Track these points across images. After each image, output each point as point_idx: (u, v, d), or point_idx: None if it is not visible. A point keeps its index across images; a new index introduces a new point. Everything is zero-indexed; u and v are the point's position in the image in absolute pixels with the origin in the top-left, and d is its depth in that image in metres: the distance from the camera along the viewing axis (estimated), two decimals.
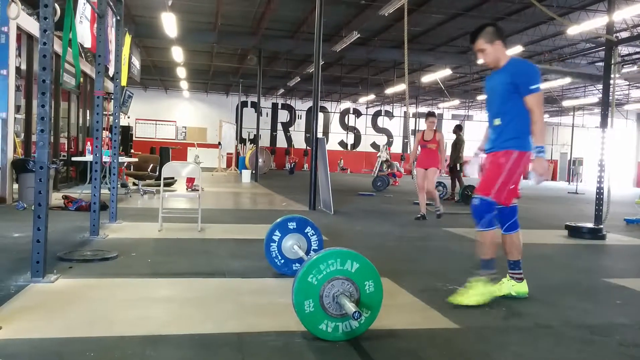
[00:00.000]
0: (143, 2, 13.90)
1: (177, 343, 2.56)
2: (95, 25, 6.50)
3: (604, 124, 7.23)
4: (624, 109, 27.27)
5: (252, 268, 4.23)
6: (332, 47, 15.63)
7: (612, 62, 7.26)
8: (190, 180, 11.95)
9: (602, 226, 7.01)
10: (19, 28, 8.20)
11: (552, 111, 31.05)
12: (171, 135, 29.05)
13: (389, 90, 23.42)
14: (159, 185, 6.51)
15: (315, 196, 9.09)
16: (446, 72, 18.99)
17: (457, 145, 12.23)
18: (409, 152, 8.86)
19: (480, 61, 3.65)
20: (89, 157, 8.91)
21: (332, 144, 30.98)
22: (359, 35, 13.88)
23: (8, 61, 7.74)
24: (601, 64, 13.29)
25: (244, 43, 17.52)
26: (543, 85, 21.45)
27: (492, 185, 3.45)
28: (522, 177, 3.52)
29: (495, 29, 3.56)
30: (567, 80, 19.09)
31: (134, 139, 17.91)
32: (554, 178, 33.35)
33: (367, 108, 32.13)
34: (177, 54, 17.52)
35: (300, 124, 31.65)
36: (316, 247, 4.02)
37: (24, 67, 8.88)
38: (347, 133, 32.23)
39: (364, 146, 32.29)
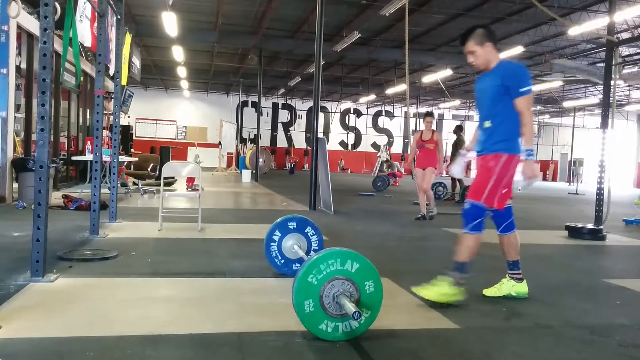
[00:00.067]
0: (144, 1, 13.90)
1: (177, 343, 2.55)
2: (96, 24, 6.50)
3: (604, 124, 7.22)
4: (625, 109, 27.25)
5: (252, 268, 4.23)
6: (333, 47, 15.63)
7: (613, 62, 7.26)
8: (190, 180, 11.95)
9: (602, 227, 7.01)
10: (19, 27, 8.19)
11: (552, 112, 31.07)
12: (171, 134, 29.05)
13: (390, 91, 23.41)
14: (159, 185, 6.51)
15: (315, 196, 9.09)
16: (447, 72, 18.99)
17: (458, 145, 12.23)
18: (409, 152, 8.89)
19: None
20: (89, 157, 8.90)
21: (333, 144, 30.98)
22: (359, 35, 13.87)
23: (8, 60, 7.73)
24: (602, 64, 13.29)
25: (244, 42, 17.52)
26: (543, 86, 21.58)
27: (482, 190, 3.43)
28: (513, 179, 3.50)
29: (485, 30, 3.53)
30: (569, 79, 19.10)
31: (134, 138, 17.91)
32: (554, 179, 33.36)
33: (367, 108, 32.13)
34: (178, 53, 17.53)
35: (301, 123, 31.65)
36: (316, 247, 4.02)
37: (24, 65, 8.88)
38: (348, 133, 32.23)
39: (365, 146, 32.29)
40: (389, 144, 31.69)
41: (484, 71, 3.60)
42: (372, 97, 26.99)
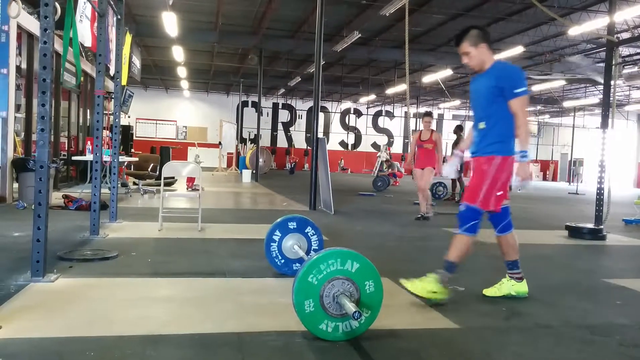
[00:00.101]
0: (144, 1, 13.90)
1: (177, 343, 2.56)
2: (96, 24, 6.50)
3: (604, 124, 7.22)
4: (625, 109, 27.25)
5: (252, 268, 4.23)
6: (333, 47, 15.63)
7: (613, 62, 7.26)
8: (190, 180, 11.95)
9: (602, 227, 7.01)
10: (19, 27, 8.20)
11: (552, 112, 31.07)
12: (172, 134, 29.05)
13: (390, 91, 23.41)
14: (159, 185, 6.51)
15: (315, 196, 9.09)
16: (447, 72, 18.99)
17: (458, 145, 12.23)
18: (409, 152, 8.92)
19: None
20: (89, 157, 8.91)
21: (333, 144, 30.97)
22: (359, 35, 13.87)
23: (8, 60, 7.74)
24: (602, 64, 13.28)
25: (244, 43, 17.52)
26: (544, 86, 21.55)
27: (477, 193, 3.43)
28: (509, 180, 3.48)
29: (480, 31, 3.51)
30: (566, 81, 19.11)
31: (134, 138, 17.90)
32: (554, 178, 33.36)
33: (367, 108, 32.12)
34: (178, 53, 17.53)
35: (301, 123, 31.64)
36: (316, 247, 4.02)
37: (24, 66, 8.88)
38: (348, 133, 32.22)
39: (365, 146, 32.29)
40: (389, 143, 31.69)
41: (479, 72, 3.58)
42: (372, 97, 26.98)
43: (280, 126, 31.44)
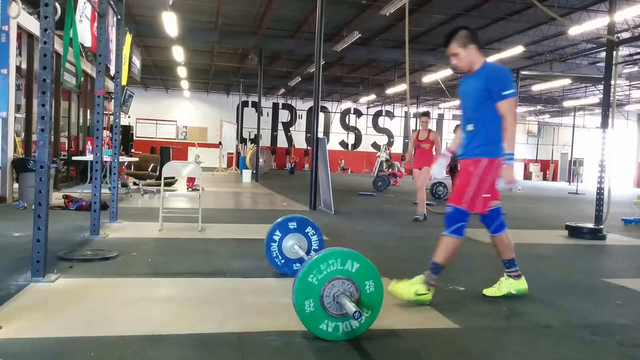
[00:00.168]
0: (144, 1, 13.90)
1: (177, 343, 2.56)
2: (96, 24, 6.50)
3: (604, 124, 7.22)
4: (625, 109, 27.25)
5: (252, 268, 4.23)
6: (333, 47, 15.63)
7: (613, 62, 7.26)
8: (190, 180, 11.95)
9: (602, 226, 7.01)
10: (19, 27, 8.20)
11: (553, 111, 31.07)
12: (172, 134, 29.06)
13: (390, 90, 23.41)
14: (160, 185, 6.52)
15: (315, 196, 9.09)
16: (447, 72, 18.97)
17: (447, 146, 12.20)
18: (407, 152, 8.89)
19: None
20: (89, 157, 8.91)
21: (333, 144, 30.98)
22: (360, 35, 13.87)
23: (8, 60, 7.74)
24: (602, 64, 13.28)
25: (244, 43, 17.52)
26: (544, 86, 21.53)
27: (463, 195, 3.42)
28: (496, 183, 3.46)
29: (469, 32, 3.48)
30: (569, 80, 19.11)
31: (134, 138, 17.90)
32: (554, 178, 33.36)
33: (367, 108, 32.12)
34: (178, 53, 17.53)
35: (301, 123, 31.65)
36: (317, 247, 4.02)
37: (24, 66, 8.88)
38: (348, 133, 32.22)
39: (365, 146, 32.29)
40: (389, 143, 31.70)
41: (468, 73, 3.55)
42: (373, 97, 26.98)
43: (280, 126, 31.44)
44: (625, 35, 12.84)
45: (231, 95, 29.83)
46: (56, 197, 8.07)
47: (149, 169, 11.14)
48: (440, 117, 32.47)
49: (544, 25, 14.52)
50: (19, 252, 4.32)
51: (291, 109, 31.47)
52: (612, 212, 7.57)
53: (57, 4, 3.78)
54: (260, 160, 19.65)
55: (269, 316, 3.02)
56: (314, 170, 9.08)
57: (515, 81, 19.27)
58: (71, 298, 3.20)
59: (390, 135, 32.55)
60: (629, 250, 6.44)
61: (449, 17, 14.22)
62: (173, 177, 11.92)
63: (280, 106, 31.36)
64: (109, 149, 8.75)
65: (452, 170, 12.36)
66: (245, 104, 28.96)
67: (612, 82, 7.34)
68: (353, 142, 32.38)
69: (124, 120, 15.92)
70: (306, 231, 4.06)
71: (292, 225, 4.05)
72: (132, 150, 15.43)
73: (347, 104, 31.21)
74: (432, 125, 8.18)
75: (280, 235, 4.03)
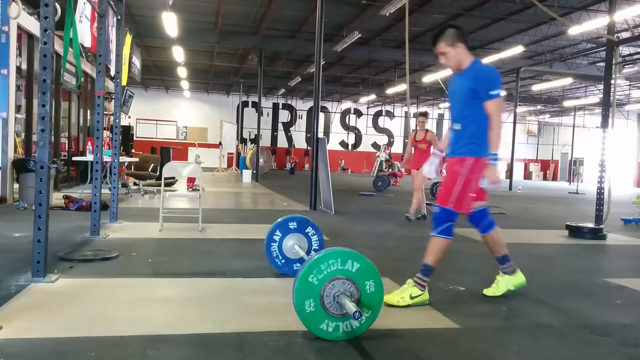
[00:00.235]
0: (144, 1, 13.91)
1: (178, 343, 2.56)
2: (95, 24, 6.51)
3: (604, 124, 7.22)
4: (625, 109, 27.25)
5: (252, 268, 4.23)
6: (333, 47, 15.63)
7: (613, 62, 7.26)
8: (191, 180, 11.96)
9: (602, 226, 7.01)
10: (19, 27, 8.20)
11: (553, 111, 31.07)
12: (172, 135, 29.07)
13: (390, 90, 23.41)
14: (160, 185, 6.52)
15: (316, 196, 9.09)
16: (447, 72, 18.94)
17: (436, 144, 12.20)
18: (405, 152, 8.83)
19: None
20: (89, 157, 8.91)
21: (333, 144, 30.99)
22: (360, 35, 13.87)
23: (8, 60, 7.74)
24: (602, 64, 13.29)
25: (244, 43, 17.53)
26: (544, 85, 21.48)
27: (449, 195, 3.39)
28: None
29: (457, 31, 3.45)
30: (569, 80, 19.11)
31: (134, 138, 17.92)
32: (554, 178, 33.36)
33: (368, 108, 32.13)
34: (178, 53, 17.53)
35: (301, 123, 31.66)
36: (317, 247, 4.02)
37: (24, 66, 8.88)
38: (348, 133, 32.23)
39: (365, 146, 32.30)
40: (389, 143, 31.71)
41: (457, 72, 3.53)
42: (373, 97, 26.98)
43: (280, 126, 31.45)
44: (625, 35, 12.83)
45: (231, 95, 29.84)
46: (56, 198, 8.08)
47: (149, 169, 11.14)
48: (440, 117, 32.48)
49: (544, 25, 14.52)
50: (19, 253, 4.32)
51: (291, 109, 31.48)
52: (613, 212, 7.57)
53: (57, 4, 3.78)
54: (261, 160, 19.66)
55: (270, 316, 3.02)
56: (314, 170, 9.08)
57: (516, 81, 19.30)
58: (71, 298, 3.20)
59: (390, 135, 32.56)
60: (629, 250, 6.44)
61: (449, 17, 14.22)
62: (173, 178, 11.92)
63: (280, 106, 31.37)
64: (109, 149, 8.76)
65: None
66: (245, 104, 28.97)
67: (612, 82, 7.34)
68: (353, 142, 32.39)
69: (124, 121, 15.91)
70: (306, 231, 4.06)
71: (293, 225, 4.05)
72: (133, 150, 15.44)
73: (347, 104, 31.22)
74: (432, 126, 8.14)
75: (280, 235, 4.03)
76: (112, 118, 8.72)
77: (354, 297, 2.66)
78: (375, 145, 31.70)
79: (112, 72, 7.34)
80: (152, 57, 21.71)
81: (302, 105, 31.45)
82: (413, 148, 8.25)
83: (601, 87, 8.58)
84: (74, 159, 11.32)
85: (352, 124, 32.38)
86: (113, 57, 7.45)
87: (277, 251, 4.04)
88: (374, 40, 16.91)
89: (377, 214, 9.07)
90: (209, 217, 6.95)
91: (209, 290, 3.56)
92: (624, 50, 16.19)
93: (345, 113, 32.11)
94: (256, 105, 22.70)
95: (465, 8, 13.32)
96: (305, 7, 13.86)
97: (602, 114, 7.31)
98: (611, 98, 7.28)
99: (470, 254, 5.28)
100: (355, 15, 14.56)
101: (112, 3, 6.09)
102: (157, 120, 28.82)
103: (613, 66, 7.29)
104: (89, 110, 13.42)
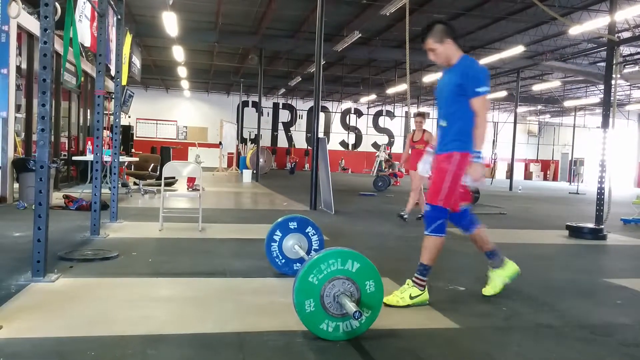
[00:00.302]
0: (144, 1, 13.90)
1: (178, 342, 2.56)
2: (95, 24, 6.51)
3: (605, 124, 7.22)
4: (625, 109, 27.25)
5: (252, 268, 4.23)
6: (334, 47, 15.63)
7: (614, 62, 7.25)
8: (191, 180, 11.96)
9: (602, 226, 7.01)
10: (19, 27, 8.20)
11: (553, 111, 31.06)
12: (172, 134, 29.07)
13: (390, 90, 23.41)
14: (160, 185, 6.52)
15: (316, 196, 9.09)
16: None
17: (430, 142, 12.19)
18: (403, 152, 8.77)
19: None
20: (89, 157, 8.91)
21: (333, 144, 30.99)
22: (360, 35, 13.87)
23: (8, 60, 7.74)
24: (603, 64, 13.29)
25: (245, 42, 17.53)
26: (545, 85, 21.44)
27: (438, 192, 3.37)
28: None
29: (445, 27, 3.41)
30: (571, 77, 19.09)
31: (134, 138, 17.90)
32: (554, 178, 33.36)
33: (368, 108, 32.13)
34: (178, 53, 17.53)
35: (302, 123, 31.66)
36: (317, 247, 4.01)
37: (24, 66, 8.88)
38: (348, 133, 32.23)
39: (365, 146, 32.30)
40: (389, 143, 31.71)
41: (446, 68, 3.50)
42: (373, 97, 26.98)
43: (280, 126, 31.45)
44: (626, 34, 12.83)
45: (231, 95, 29.84)
46: (56, 197, 8.07)
47: (149, 169, 11.13)
48: None
49: (544, 25, 14.52)
50: (19, 252, 4.32)
51: (291, 108, 31.48)
52: (613, 212, 7.57)
53: (57, 3, 3.78)
54: (261, 160, 19.66)
55: (270, 316, 3.02)
56: (315, 170, 9.08)
57: (516, 81, 19.29)
58: (71, 298, 3.20)
59: (390, 135, 32.56)
60: (629, 250, 6.44)
61: (449, 17, 14.20)
62: (173, 177, 11.92)
63: (280, 106, 31.37)
64: (109, 149, 8.75)
65: None
66: (245, 103, 28.97)
67: (613, 82, 7.33)
68: (353, 142, 32.39)
69: (124, 120, 15.91)
70: (306, 231, 4.06)
71: (293, 225, 4.05)
72: (133, 150, 15.43)
73: (347, 104, 31.22)
74: (431, 126, 8.09)
75: (280, 235, 4.03)
76: (112, 118, 8.72)
77: (354, 297, 2.66)
78: (375, 145, 31.70)
79: (112, 72, 7.34)
80: (152, 56, 21.71)
81: (303, 105, 31.45)
82: (410, 148, 8.25)
83: (602, 87, 8.58)
84: (74, 158, 11.32)
85: (352, 123, 32.38)
86: (113, 56, 7.45)
87: (277, 251, 4.03)
88: (374, 40, 16.91)
89: (377, 214, 9.07)
90: (209, 216, 6.95)
91: (209, 290, 3.55)
92: (625, 50, 16.18)
93: (345, 113, 32.11)
94: (256, 105, 22.70)
95: (466, 8, 13.32)
96: (305, 6, 13.86)
97: (602, 114, 7.31)
98: (612, 98, 7.28)
99: (470, 253, 5.27)
100: (356, 15, 14.55)
101: (112, 2, 6.09)
102: (157, 120, 28.82)
103: (614, 66, 7.28)
104: (89, 110, 13.43)
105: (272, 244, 4.03)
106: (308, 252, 3.96)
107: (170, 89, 28.94)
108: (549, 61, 16.92)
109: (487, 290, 3.66)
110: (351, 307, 2.51)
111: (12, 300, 3.07)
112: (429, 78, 20.99)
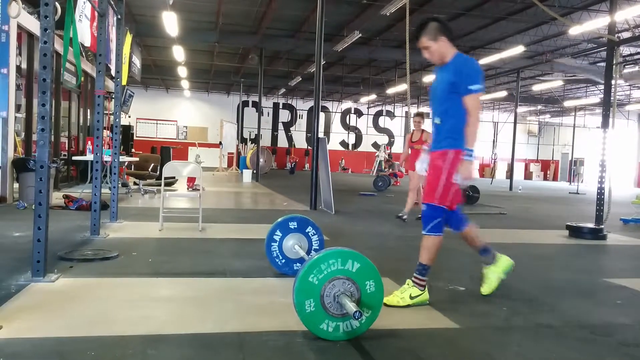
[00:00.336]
0: (144, 0, 13.90)
1: (178, 342, 2.56)
2: (95, 24, 6.51)
3: (605, 124, 7.22)
4: (625, 109, 27.24)
5: (253, 268, 4.23)
6: (334, 47, 15.63)
7: (614, 62, 7.25)
8: (191, 180, 11.95)
9: (602, 226, 7.01)
10: (19, 27, 8.20)
11: (553, 111, 31.06)
12: (172, 134, 29.07)
13: (391, 90, 23.41)
14: (160, 185, 6.52)
15: (316, 196, 9.09)
16: None
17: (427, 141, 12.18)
18: (402, 153, 8.77)
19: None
20: (89, 157, 8.91)
21: (334, 144, 30.99)
22: (360, 34, 13.87)
23: (8, 60, 7.74)
24: (603, 64, 13.29)
25: (245, 42, 17.53)
26: (545, 85, 21.42)
27: (434, 190, 3.36)
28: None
29: (439, 24, 3.39)
30: (573, 76, 19.08)
31: (134, 138, 17.91)
32: (555, 178, 33.35)
33: (368, 108, 32.13)
34: (178, 53, 17.53)
35: (302, 123, 31.66)
36: (317, 247, 4.01)
37: (24, 65, 8.88)
38: (349, 133, 32.23)
39: (365, 146, 32.30)
40: (389, 143, 31.71)
41: (441, 65, 3.47)
42: (373, 97, 26.98)
43: (280, 126, 31.45)
44: (626, 35, 12.83)
45: (231, 95, 29.84)
46: (56, 197, 8.07)
47: (150, 169, 11.13)
48: None
49: (544, 25, 14.52)
50: (19, 252, 4.32)
51: (292, 108, 31.48)
52: (613, 212, 7.57)
53: (57, 3, 3.78)
54: (261, 160, 19.66)
55: (270, 316, 3.02)
56: (315, 170, 9.08)
57: (516, 81, 19.28)
58: (71, 298, 3.19)
59: (390, 135, 32.56)
60: (629, 250, 6.44)
61: (449, 17, 14.19)
62: (173, 177, 11.92)
63: (280, 106, 31.37)
64: (109, 148, 8.75)
65: None
66: (245, 103, 28.97)
67: (613, 82, 7.33)
68: (353, 142, 32.39)
69: (124, 120, 15.91)
70: (307, 231, 4.06)
71: (293, 225, 4.05)
72: (133, 150, 15.43)
73: (347, 104, 31.22)
74: (424, 125, 8.05)
75: (280, 235, 4.03)
76: (112, 117, 8.72)
77: (354, 297, 2.66)
78: (375, 145, 31.70)
79: (112, 72, 7.34)
80: (152, 56, 21.71)
81: (303, 105, 31.45)
82: (409, 149, 8.26)
83: (602, 87, 8.58)
84: (74, 158, 11.32)
85: (352, 123, 32.38)
86: (113, 56, 7.45)
87: (278, 251, 4.03)
88: (374, 40, 16.91)
89: (377, 214, 9.07)
90: (209, 216, 6.95)
91: (209, 290, 3.55)
92: (625, 50, 16.17)
93: (345, 113, 32.11)
94: (256, 105, 22.70)
95: (466, 8, 13.32)
96: (305, 6, 13.86)
97: (602, 114, 7.31)
98: (612, 98, 7.28)
99: (470, 253, 5.26)
100: (356, 15, 14.55)
101: (112, 2, 6.09)
102: (157, 120, 28.82)
103: (614, 66, 7.28)
104: (89, 110, 13.43)
105: (272, 244, 4.03)
106: (308, 252, 3.96)
107: (171, 88, 28.94)
108: (555, 59, 16.88)
109: (484, 289, 3.65)
110: (351, 307, 2.51)
111: (12, 300, 3.07)
112: (429, 78, 20.97)
